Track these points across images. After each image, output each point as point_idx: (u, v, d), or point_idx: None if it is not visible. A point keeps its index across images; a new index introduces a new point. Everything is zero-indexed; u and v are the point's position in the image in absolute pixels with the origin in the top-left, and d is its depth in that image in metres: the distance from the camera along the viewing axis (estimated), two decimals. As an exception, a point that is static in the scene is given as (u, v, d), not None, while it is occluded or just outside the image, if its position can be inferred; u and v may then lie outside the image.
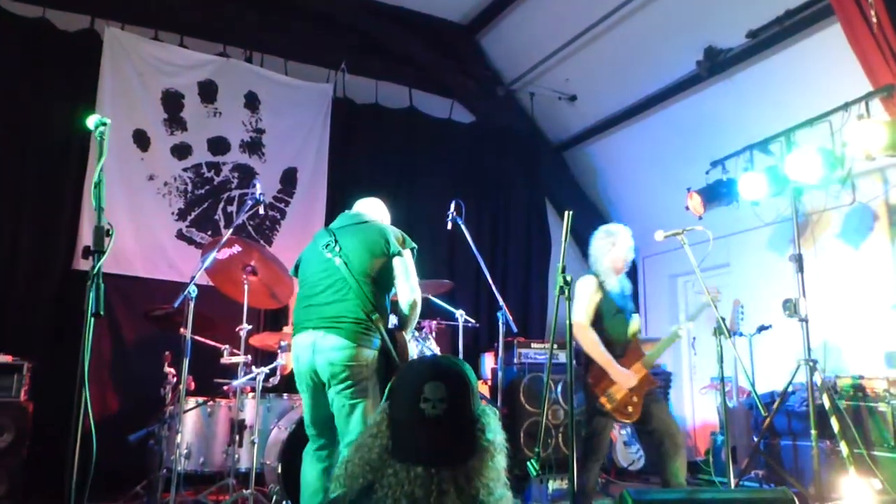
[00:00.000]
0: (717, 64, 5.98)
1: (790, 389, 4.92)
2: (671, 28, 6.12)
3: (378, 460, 1.46)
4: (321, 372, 3.06)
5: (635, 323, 3.93)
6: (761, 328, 5.57)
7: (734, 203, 5.83)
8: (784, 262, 5.20)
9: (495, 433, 1.49)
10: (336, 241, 3.22)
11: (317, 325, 3.08)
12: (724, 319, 4.02)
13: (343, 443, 3.06)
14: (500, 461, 1.49)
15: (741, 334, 5.40)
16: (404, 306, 3.22)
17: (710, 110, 6.38)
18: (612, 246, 3.94)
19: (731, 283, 6.73)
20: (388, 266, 3.21)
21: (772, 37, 5.58)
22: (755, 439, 5.22)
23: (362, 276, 3.13)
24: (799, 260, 4.84)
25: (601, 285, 3.90)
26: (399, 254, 3.21)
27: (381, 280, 3.19)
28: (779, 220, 5.97)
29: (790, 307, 4.75)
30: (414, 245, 3.33)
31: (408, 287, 3.21)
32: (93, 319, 2.03)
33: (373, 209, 3.55)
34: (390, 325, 3.25)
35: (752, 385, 4.98)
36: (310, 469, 3.22)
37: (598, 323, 3.80)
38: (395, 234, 3.28)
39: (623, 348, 3.85)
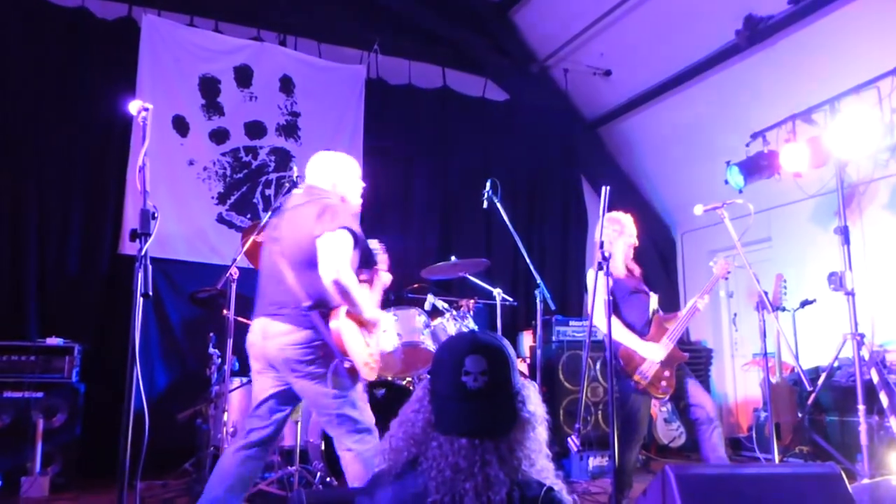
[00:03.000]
0: (757, 32, 5.79)
1: (836, 364, 4.82)
2: (709, -3, 5.97)
3: (422, 434, 1.48)
4: (272, 358, 3.05)
5: (653, 301, 3.95)
6: (805, 303, 5.45)
7: (776, 175, 5.70)
8: (828, 236, 5.07)
9: (536, 405, 1.51)
10: (278, 227, 3.19)
11: (265, 312, 3.08)
12: (766, 294, 3.97)
13: (322, 420, 3.09)
14: (542, 433, 1.50)
15: (784, 309, 5.31)
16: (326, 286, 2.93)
17: (750, 81, 6.21)
18: (618, 234, 3.96)
19: (773, 257, 6.60)
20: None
21: (815, 2, 5.39)
22: (800, 415, 5.14)
23: (295, 262, 3.03)
24: (845, 232, 4.72)
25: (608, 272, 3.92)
26: (321, 235, 2.94)
27: (316, 262, 2.95)
28: (823, 191, 5.81)
29: (836, 280, 4.64)
30: (346, 224, 2.96)
31: (326, 267, 2.90)
32: (141, 300, 2.09)
33: (320, 175, 3.26)
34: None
35: (797, 360, 4.90)
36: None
37: (615, 308, 3.82)
38: (328, 212, 3.01)
39: (646, 327, 3.91)
